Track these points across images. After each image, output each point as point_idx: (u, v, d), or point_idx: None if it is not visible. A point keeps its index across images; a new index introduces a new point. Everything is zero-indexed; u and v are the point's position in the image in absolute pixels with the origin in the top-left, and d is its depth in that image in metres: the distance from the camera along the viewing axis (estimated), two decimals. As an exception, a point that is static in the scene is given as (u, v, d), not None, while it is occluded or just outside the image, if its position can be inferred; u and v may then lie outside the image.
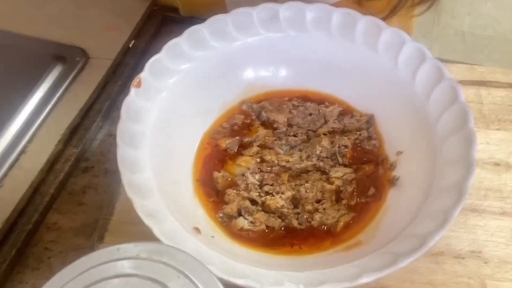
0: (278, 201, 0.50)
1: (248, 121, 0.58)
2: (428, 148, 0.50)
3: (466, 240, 0.50)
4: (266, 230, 0.49)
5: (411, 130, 0.53)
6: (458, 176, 0.45)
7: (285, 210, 0.50)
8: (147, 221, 0.43)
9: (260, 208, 0.50)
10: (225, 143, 0.55)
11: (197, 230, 0.47)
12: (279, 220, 0.50)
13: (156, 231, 0.42)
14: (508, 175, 0.54)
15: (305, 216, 0.49)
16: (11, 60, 0.68)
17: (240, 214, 0.50)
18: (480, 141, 0.55)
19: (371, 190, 0.50)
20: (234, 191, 0.51)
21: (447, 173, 0.46)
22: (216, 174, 0.53)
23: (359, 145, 0.55)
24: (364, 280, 0.40)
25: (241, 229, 0.49)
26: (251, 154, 0.54)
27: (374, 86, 0.56)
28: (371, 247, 0.45)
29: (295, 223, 0.49)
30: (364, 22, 0.56)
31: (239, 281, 0.40)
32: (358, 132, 0.56)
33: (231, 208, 0.50)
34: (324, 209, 0.50)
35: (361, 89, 0.57)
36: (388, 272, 0.41)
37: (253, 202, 0.51)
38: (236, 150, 0.55)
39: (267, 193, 0.51)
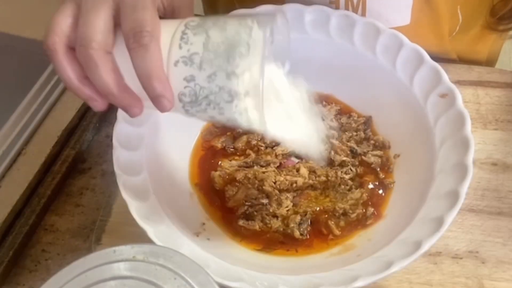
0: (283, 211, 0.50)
1: None
2: (425, 152, 0.50)
3: (464, 240, 0.50)
4: (263, 229, 0.50)
5: (408, 133, 0.53)
6: (454, 181, 0.45)
7: (290, 224, 0.50)
8: (142, 223, 0.43)
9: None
10: (219, 142, 0.56)
11: (194, 233, 0.48)
12: (279, 222, 0.50)
13: (151, 234, 0.42)
14: (505, 175, 0.54)
15: (308, 229, 0.49)
16: (8, 62, 0.68)
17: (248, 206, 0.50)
18: (478, 141, 0.55)
19: (370, 210, 0.50)
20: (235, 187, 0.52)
21: (442, 178, 0.47)
22: (213, 173, 0.53)
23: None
24: (359, 283, 0.40)
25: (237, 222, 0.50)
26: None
27: (372, 88, 0.57)
28: (366, 251, 0.45)
29: (297, 234, 0.49)
30: (362, 25, 0.56)
31: (233, 285, 0.40)
32: (354, 133, 0.56)
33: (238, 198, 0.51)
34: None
35: (359, 91, 0.57)
36: (382, 276, 0.41)
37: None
38: (233, 146, 0.56)
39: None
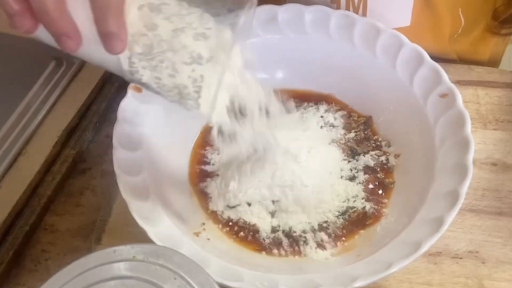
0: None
1: None
2: (425, 152, 0.50)
3: (464, 240, 0.50)
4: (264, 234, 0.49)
5: (408, 133, 0.53)
6: (454, 181, 0.45)
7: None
8: (142, 223, 0.43)
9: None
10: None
11: (194, 233, 0.48)
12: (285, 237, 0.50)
13: (151, 234, 0.42)
14: (505, 175, 0.54)
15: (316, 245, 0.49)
16: (8, 62, 0.68)
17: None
18: (478, 141, 0.55)
19: (371, 209, 0.50)
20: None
21: (443, 178, 0.47)
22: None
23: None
24: (359, 283, 0.40)
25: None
26: None
27: (372, 88, 0.57)
28: (366, 251, 0.45)
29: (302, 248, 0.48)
30: (362, 25, 0.56)
31: (233, 284, 0.40)
32: (355, 132, 0.56)
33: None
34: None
35: (360, 91, 0.57)
36: (382, 276, 0.41)
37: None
38: None
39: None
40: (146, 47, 0.34)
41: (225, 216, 0.50)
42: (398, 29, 0.55)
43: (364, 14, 0.60)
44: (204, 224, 0.50)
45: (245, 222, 0.50)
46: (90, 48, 0.35)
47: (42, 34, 0.35)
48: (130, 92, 0.51)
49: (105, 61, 0.36)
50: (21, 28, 0.34)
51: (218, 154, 0.55)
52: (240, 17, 0.35)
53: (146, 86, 0.36)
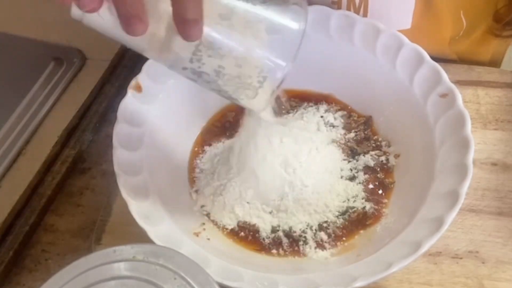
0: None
1: (240, 116, 0.58)
2: (425, 152, 0.50)
3: (464, 240, 0.50)
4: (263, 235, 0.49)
5: (408, 133, 0.53)
6: (454, 182, 0.45)
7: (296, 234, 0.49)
8: (142, 223, 0.43)
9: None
10: (219, 142, 0.56)
11: (194, 233, 0.48)
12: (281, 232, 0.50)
13: (151, 234, 0.42)
14: (505, 175, 0.54)
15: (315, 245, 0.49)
16: (9, 62, 0.68)
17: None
18: (478, 141, 0.55)
19: (371, 209, 0.50)
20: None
21: (443, 178, 0.47)
22: (213, 173, 0.53)
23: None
24: (359, 284, 0.40)
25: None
26: None
27: (372, 88, 0.57)
28: (366, 251, 0.45)
29: (302, 248, 0.48)
30: (362, 25, 0.56)
31: (233, 284, 0.40)
32: (355, 132, 0.56)
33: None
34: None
35: (360, 91, 0.57)
36: (382, 276, 0.41)
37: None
38: None
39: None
40: (220, 36, 0.33)
41: (225, 216, 0.50)
42: (398, 31, 0.55)
43: (365, 16, 0.60)
44: (204, 224, 0.50)
45: (245, 222, 0.50)
46: (154, 33, 0.34)
47: (100, 17, 0.34)
48: (130, 92, 0.51)
49: (164, 47, 0.35)
50: (86, 6, 0.33)
51: (218, 154, 0.55)
52: (302, 13, 0.35)
53: (198, 74, 0.35)
